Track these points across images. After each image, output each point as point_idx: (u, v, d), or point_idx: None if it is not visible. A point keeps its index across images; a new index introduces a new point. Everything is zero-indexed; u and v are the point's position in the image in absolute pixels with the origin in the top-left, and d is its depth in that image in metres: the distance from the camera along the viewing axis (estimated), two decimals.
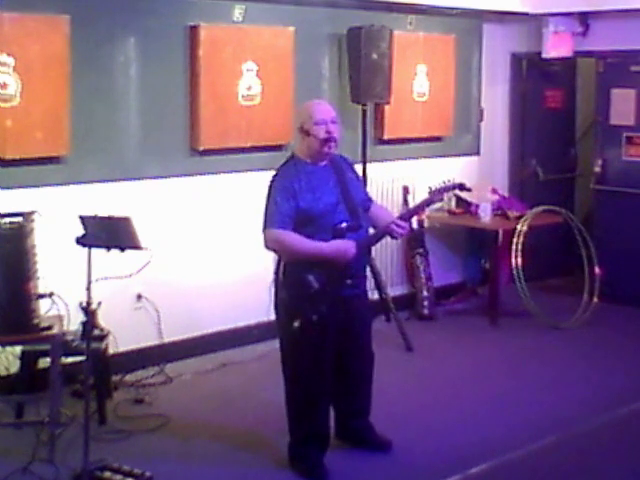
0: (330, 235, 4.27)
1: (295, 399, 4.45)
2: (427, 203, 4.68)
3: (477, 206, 7.27)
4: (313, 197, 4.28)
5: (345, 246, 4.25)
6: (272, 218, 4.26)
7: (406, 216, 4.67)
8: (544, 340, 6.70)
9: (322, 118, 4.30)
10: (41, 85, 5.21)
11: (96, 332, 5.01)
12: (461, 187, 4.63)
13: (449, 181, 4.63)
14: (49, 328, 4.61)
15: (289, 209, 4.23)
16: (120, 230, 4.10)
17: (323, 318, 4.27)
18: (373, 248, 5.31)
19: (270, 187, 4.34)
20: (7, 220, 4.46)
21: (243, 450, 4.71)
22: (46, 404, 4.68)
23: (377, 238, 4.61)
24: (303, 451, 4.44)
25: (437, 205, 7.22)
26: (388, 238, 4.59)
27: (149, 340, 5.90)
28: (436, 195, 4.57)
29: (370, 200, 4.70)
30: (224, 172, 6.20)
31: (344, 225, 4.29)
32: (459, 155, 7.74)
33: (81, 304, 4.64)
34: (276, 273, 4.39)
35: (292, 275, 4.30)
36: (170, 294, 5.93)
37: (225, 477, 4.48)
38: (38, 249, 4.59)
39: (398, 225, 4.40)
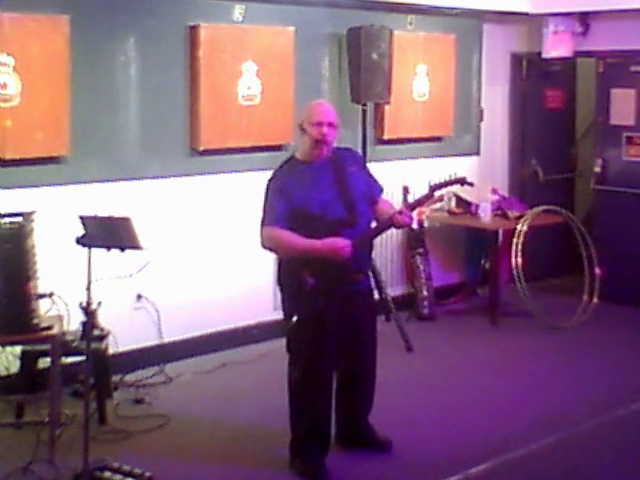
0: (327, 234, 4.24)
1: (296, 393, 4.44)
2: (428, 196, 4.57)
3: (477, 206, 7.27)
4: (305, 196, 4.28)
5: (340, 244, 4.21)
6: (267, 217, 4.31)
7: (410, 206, 4.61)
8: (544, 340, 6.70)
9: (320, 120, 4.30)
10: (41, 85, 5.21)
11: (96, 332, 5.00)
12: (462, 182, 4.61)
13: (450, 177, 4.59)
14: (49, 328, 4.61)
15: (283, 209, 4.26)
16: (120, 230, 4.10)
17: (320, 313, 4.28)
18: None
19: (266, 189, 4.39)
20: (7, 220, 4.46)
21: (243, 450, 4.71)
22: (46, 404, 4.69)
23: (378, 231, 4.57)
24: (303, 449, 4.43)
25: (437, 205, 7.24)
26: (390, 239, 4.58)
27: (149, 340, 5.91)
28: (437, 188, 4.50)
29: (379, 192, 4.59)
30: (224, 172, 6.21)
31: (337, 221, 4.27)
32: (459, 155, 7.74)
33: (81, 304, 4.63)
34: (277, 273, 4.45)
35: (287, 273, 4.35)
36: (170, 294, 5.93)
37: (225, 477, 4.48)
38: (38, 249, 4.59)
39: (403, 213, 4.36)
